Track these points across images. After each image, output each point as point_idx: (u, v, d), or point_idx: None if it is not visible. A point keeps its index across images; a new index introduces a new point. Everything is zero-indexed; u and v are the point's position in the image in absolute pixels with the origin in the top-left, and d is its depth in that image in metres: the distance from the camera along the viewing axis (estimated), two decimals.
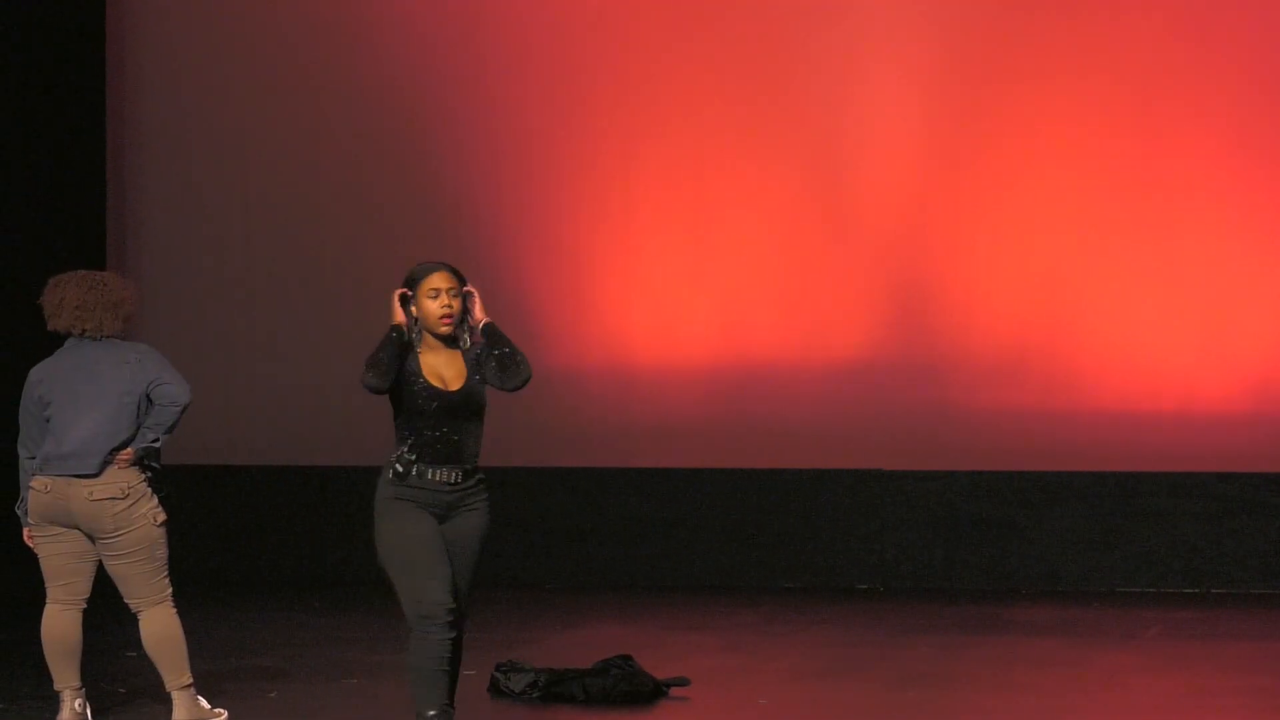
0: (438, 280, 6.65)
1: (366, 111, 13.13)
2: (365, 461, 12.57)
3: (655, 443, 12.66)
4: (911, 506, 12.38)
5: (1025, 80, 12.35)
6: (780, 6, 12.71)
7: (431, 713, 6.58)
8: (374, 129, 13.12)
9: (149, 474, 7.56)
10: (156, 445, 7.55)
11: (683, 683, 8.64)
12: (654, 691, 8.48)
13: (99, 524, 7.46)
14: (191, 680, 7.63)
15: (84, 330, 7.58)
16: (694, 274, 12.70)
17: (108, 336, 7.60)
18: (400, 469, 6.58)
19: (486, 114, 12.99)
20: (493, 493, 6.78)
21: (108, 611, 7.98)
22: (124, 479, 7.47)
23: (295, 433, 13.16)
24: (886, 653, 9.87)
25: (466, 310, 6.72)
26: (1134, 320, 12.20)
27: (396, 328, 6.59)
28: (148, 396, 7.51)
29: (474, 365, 6.70)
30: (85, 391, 7.50)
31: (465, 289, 6.72)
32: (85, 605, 7.66)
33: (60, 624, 7.62)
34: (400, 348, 6.57)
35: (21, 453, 7.62)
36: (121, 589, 7.57)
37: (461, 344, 6.72)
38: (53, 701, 7.75)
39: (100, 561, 7.58)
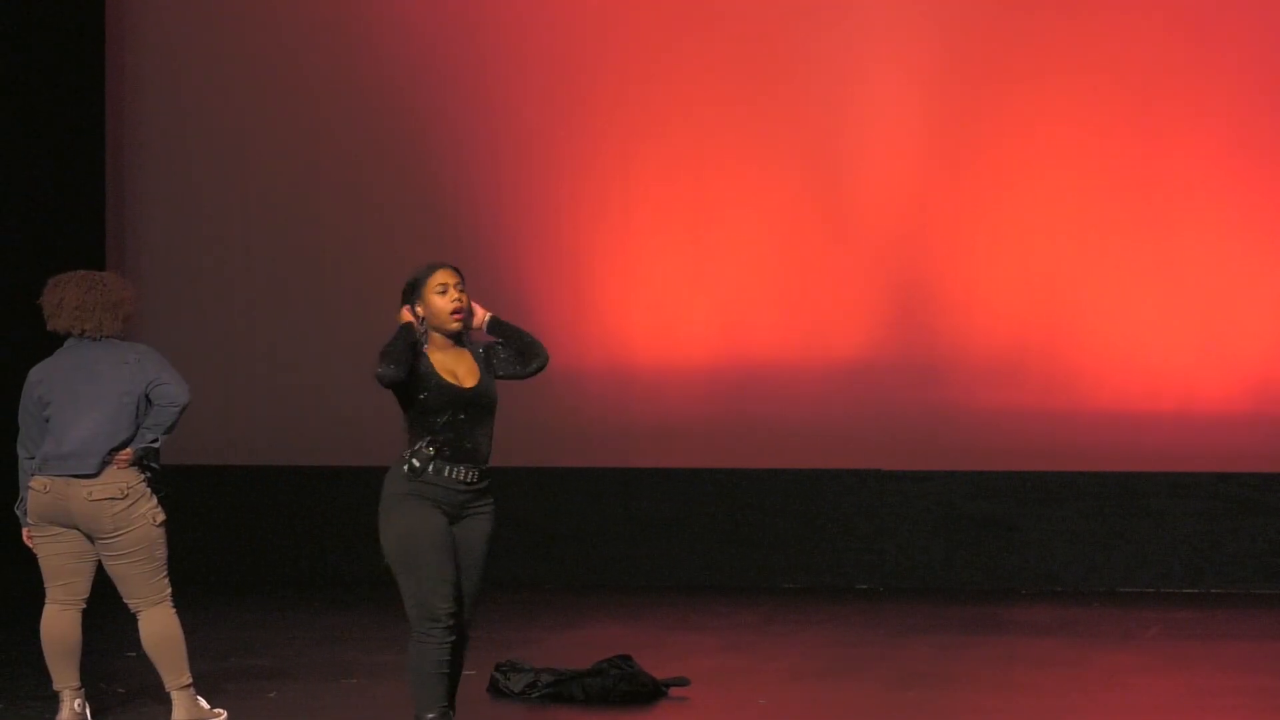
0: (444, 276, 6.66)
1: (366, 111, 13.13)
2: (365, 461, 12.62)
3: (655, 443, 12.66)
4: (911, 506, 12.38)
5: (1025, 80, 12.35)
6: (780, 7, 12.71)
7: (431, 715, 6.58)
8: (374, 129, 13.13)
9: (148, 474, 7.56)
10: (156, 445, 7.55)
11: (682, 683, 8.64)
12: (653, 692, 8.48)
13: (98, 524, 7.46)
14: (191, 680, 7.63)
15: (83, 330, 7.58)
16: (694, 274, 12.70)
17: (107, 337, 7.60)
18: (418, 464, 6.55)
19: (486, 114, 13.00)
20: (497, 497, 6.77)
21: (107, 612, 7.98)
22: (123, 479, 7.47)
23: (295, 433, 13.17)
24: (886, 653, 9.87)
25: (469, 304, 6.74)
26: (1134, 320, 12.20)
27: (406, 324, 6.59)
28: (147, 397, 7.52)
29: (484, 362, 6.71)
30: (85, 392, 7.50)
31: (459, 314, 6.74)
32: (85, 605, 7.66)
33: (60, 624, 7.62)
34: (411, 342, 6.56)
35: (21, 453, 7.62)
36: (121, 589, 7.57)
37: (466, 341, 6.72)
38: (52, 701, 7.76)
39: (99, 562, 7.58)
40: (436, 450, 6.56)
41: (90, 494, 7.44)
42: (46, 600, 7.66)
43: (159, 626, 7.56)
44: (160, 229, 13.45)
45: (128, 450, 7.47)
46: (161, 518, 7.56)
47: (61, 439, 7.48)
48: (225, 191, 13.38)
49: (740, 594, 12.15)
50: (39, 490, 7.51)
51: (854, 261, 12.53)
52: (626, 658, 8.64)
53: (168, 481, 7.71)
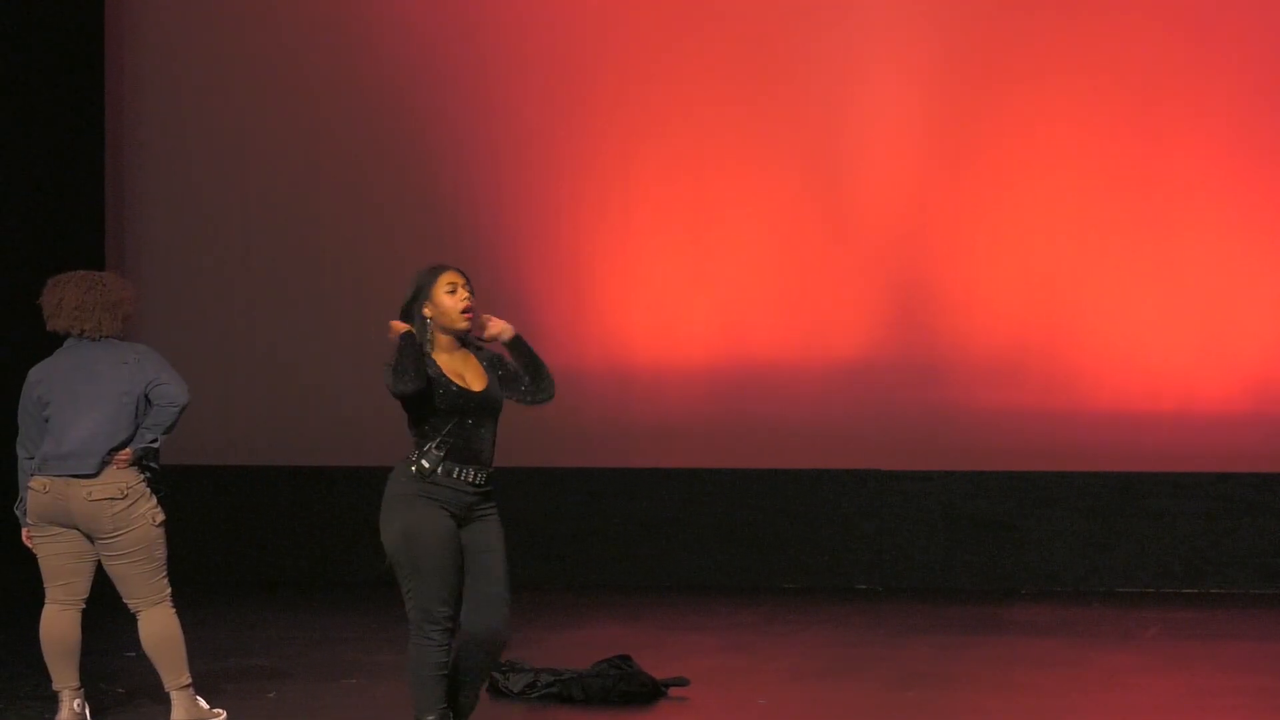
0: (452, 276, 6.65)
1: (366, 112, 13.13)
2: (365, 461, 12.63)
3: (654, 443, 12.65)
4: (911, 506, 12.37)
5: (1025, 80, 12.35)
6: (780, 6, 12.70)
7: (430, 717, 6.58)
8: (374, 129, 13.12)
9: (148, 474, 7.56)
10: (155, 445, 7.55)
11: (682, 683, 8.64)
12: (653, 692, 8.48)
13: (98, 524, 7.46)
14: (190, 680, 7.63)
15: (83, 330, 7.58)
16: (694, 274, 12.70)
17: (106, 337, 7.60)
18: (426, 465, 6.53)
19: (486, 114, 12.99)
20: (499, 500, 6.77)
21: (106, 612, 7.98)
22: (123, 479, 7.47)
23: (295, 433, 13.16)
24: (886, 653, 9.86)
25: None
26: (1134, 320, 12.19)
27: (407, 334, 6.53)
28: (146, 397, 7.51)
29: (490, 368, 6.70)
30: (84, 392, 7.50)
31: (483, 325, 6.72)
32: (84, 605, 7.66)
33: (59, 624, 7.62)
34: (419, 351, 6.52)
35: (20, 453, 7.62)
36: (120, 589, 7.57)
37: (470, 343, 6.71)
38: (52, 701, 7.76)
39: (99, 562, 7.57)
40: (446, 452, 6.55)
41: (90, 494, 7.44)
42: (46, 600, 7.66)
43: (158, 626, 7.56)
44: (160, 229, 13.45)
45: (127, 450, 7.47)
46: (161, 518, 7.56)
47: (61, 439, 7.48)
48: (225, 191, 13.37)
49: (740, 594, 12.14)
50: (38, 490, 7.51)
51: (854, 261, 12.52)
52: (626, 658, 8.64)
53: (167, 481, 7.70)
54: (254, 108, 13.30)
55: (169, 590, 7.61)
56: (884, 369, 12.45)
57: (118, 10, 13.52)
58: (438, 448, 6.54)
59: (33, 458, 7.56)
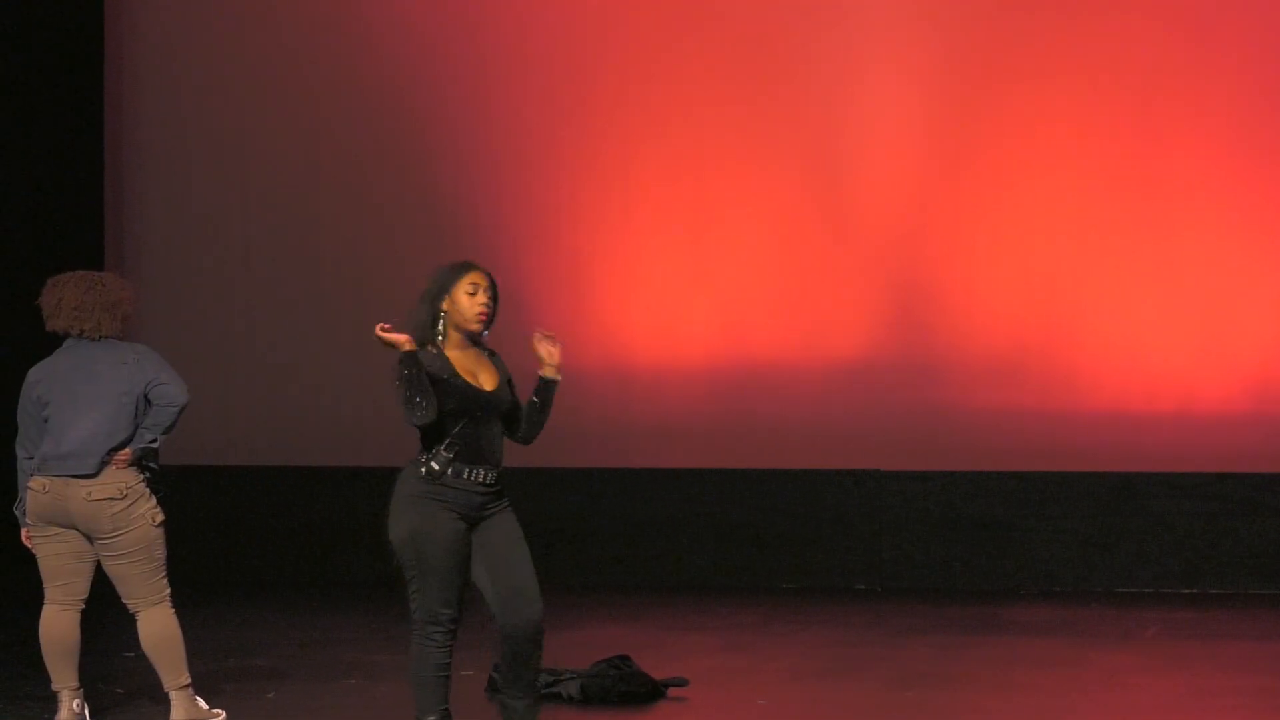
0: (476, 277, 6.61)
1: (366, 112, 13.14)
2: (365, 461, 12.65)
3: (654, 443, 12.66)
4: (910, 507, 12.37)
5: (1025, 80, 12.35)
6: (780, 7, 12.70)
7: (431, 717, 6.58)
8: (374, 129, 13.13)
9: (147, 474, 7.56)
10: (155, 445, 7.54)
11: (681, 683, 8.64)
12: (652, 692, 8.48)
13: (97, 524, 7.46)
14: (189, 681, 7.63)
15: (82, 330, 7.58)
16: (693, 274, 12.70)
17: (106, 337, 7.60)
18: (436, 467, 6.50)
19: (486, 114, 13.00)
20: (511, 498, 6.76)
21: (106, 612, 7.98)
22: (122, 479, 7.46)
23: (295, 433, 13.16)
24: (885, 653, 9.86)
25: (495, 316, 6.67)
26: (1133, 320, 12.19)
27: (407, 357, 6.41)
28: (146, 397, 7.51)
29: (503, 370, 6.68)
30: (83, 392, 7.50)
31: (552, 340, 6.72)
32: (83, 606, 7.66)
33: (58, 624, 7.62)
34: (421, 374, 6.43)
35: (20, 453, 7.62)
36: (119, 589, 7.57)
37: (483, 344, 6.69)
38: (51, 702, 7.76)
39: (98, 562, 7.57)
40: (455, 453, 6.53)
41: (89, 494, 7.44)
42: (45, 600, 7.66)
43: (158, 627, 7.56)
44: (159, 229, 13.45)
45: (126, 450, 7.47)
46: (160, 518, 7.56)
47: (60, 439, 7.48)
48: (224, 191, 13.38)
49: (740, 594, 12.15)
50: (38, 490, 7.51)
51: (854, 261, 12.52)
52: (625, 658, 8.65)
53: (166, 481, 7.70)
54: (254, 107, 13.30)
55: (168, 590, 7.61)
56: (884, 369, 12.45)
57: (117, 10, 13.53)
58: (446, 449, 6.51)
59: (32, 458, 7.56)
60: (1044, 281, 12.31)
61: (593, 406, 12.68)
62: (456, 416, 6.51)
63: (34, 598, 7.76)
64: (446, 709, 6.61)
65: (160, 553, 7.58)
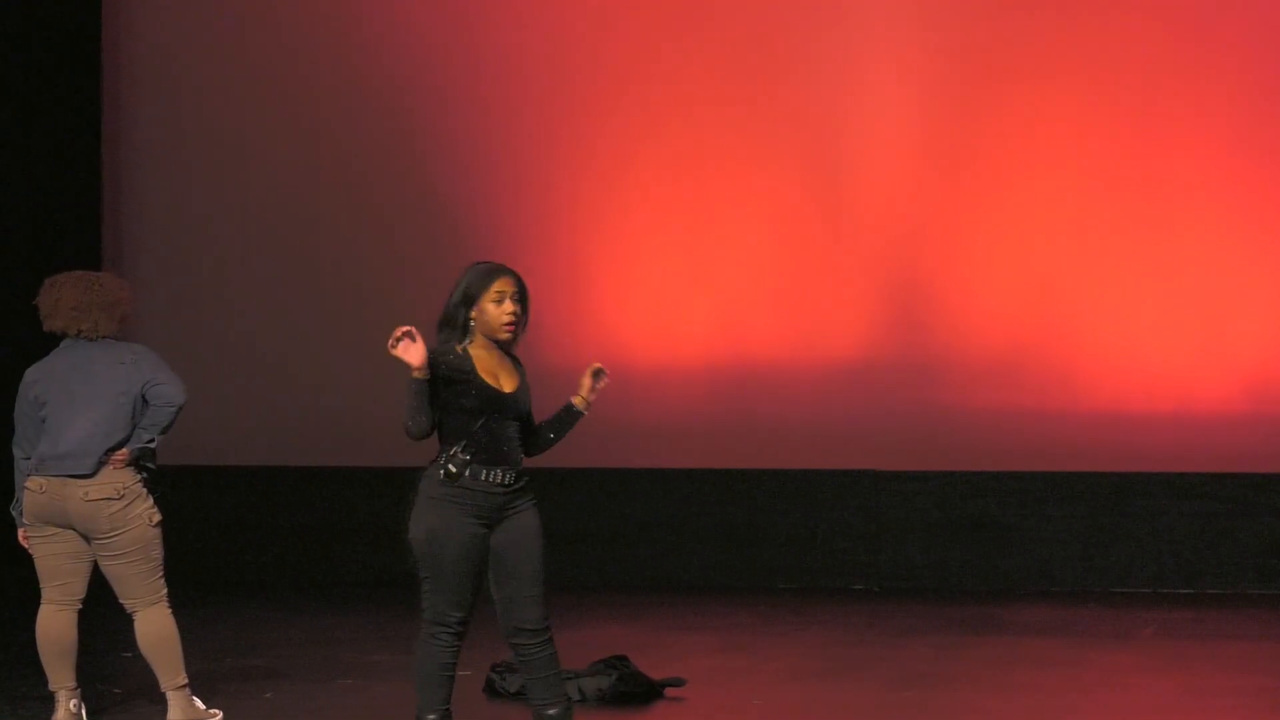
0: (503, 284, 6.55)
1: (366, 111, 13.13)
2: (365, 461, 12.65)
3: (653, 443, 12.65)
4: (908, 507, 12.37)
5: (1025, 80, 12.34)
6: (780, 7, 12.70)
7: (431, 717, 6.58)
8: (373, 129, 13.12)
9: (144, 474, 7.56)
10: (152, 446, 7.55)
11: (678, 683, 8.64)
12: (650, 692, 8.48)
13: (94, 524, 7.46)
14: (187, 681, 7.63)
15: (80, 330, 7.58)
16: (692, 274, 12.70)
17: (103, 337, 7.60)
18: (454, 469, 6.47)
19: (485, 115, 12.99)
20: (538, 493, 6.74)
21: (103, 612, 7.98)
22: (119, 479, 7.47)
23: (292, 433, 13.16)
24: (884, 653, 9.86)
25: (526, 318, 6.64)
26: (1131, 321, 12.19)
27: (415, 380, 6.36)
28: (143, 397, 7.51)
29: (523, 377, 6.67)
30: (81, 392, 7.50)
31: (602, 378, 6.85)
32: (80, 606, 7.67)
33: (55, 624, 7.62)
34: (423, 392, 6.39)
35: (17, 453, 7.62)
36: (117, 589, 7.57)
37: (511, 350, 6.67)
38: (49, 702, 7.76)
39: (96, 562, 7.57)
40: (473, 455, 6.50)
41: (86, 494, 7.44)
42: (42, 600, 7.66)
43: (155, 627, 7.56)
44: (158, 229, 13.45)
45: (124, 450, 7.47)
46: (158, 518, 7.56)
47: (58, 439, 7.48)
48: (223, 192, 13.37)
49: (738, 594, 12.14)
50: (35, 490, 7.51)
51: (853, 261, 12.52)
52: (623, 658, 8.64)
53: (164, 481, 7.70)
54: (253, 108, 13.30)
55: (165, 590, 7.61)
56: (882, 369, 12.45)
57: (115, 10, 13.52)
58: (464, 450, 6.48)
59: (29, 458, 7.56)
60: (1043, 281, 12.30)
61: (592, 406, 12.64)
62: (475, 415, 6.49)
63: (31, 598, 7.76)
64: (448, 709, 6.60)
65: (157, 553, 7.58)
